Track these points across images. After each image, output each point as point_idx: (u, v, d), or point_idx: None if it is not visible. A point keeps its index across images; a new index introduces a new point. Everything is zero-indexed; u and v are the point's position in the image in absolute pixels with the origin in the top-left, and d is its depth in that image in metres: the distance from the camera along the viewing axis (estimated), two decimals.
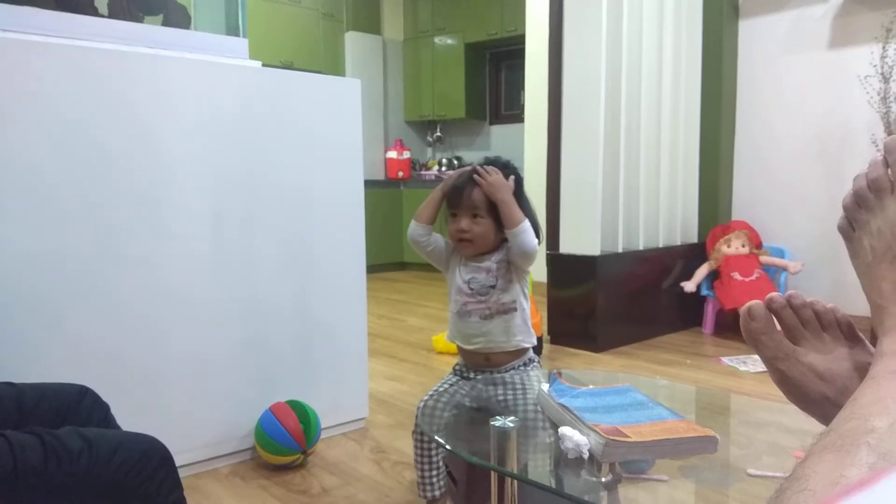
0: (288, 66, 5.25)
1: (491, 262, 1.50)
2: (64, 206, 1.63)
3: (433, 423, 1.33)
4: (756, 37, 3.73)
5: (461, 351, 1.58)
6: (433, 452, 1.57)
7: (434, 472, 1.58)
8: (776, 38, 3.65)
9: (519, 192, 1.51)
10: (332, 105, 2.10)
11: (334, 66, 6.10)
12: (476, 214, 1.47)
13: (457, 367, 1.60)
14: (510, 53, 6.11)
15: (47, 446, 0.92)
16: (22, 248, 1.57)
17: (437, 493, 1.58)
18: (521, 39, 5.06)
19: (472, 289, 1.50)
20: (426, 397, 1.40)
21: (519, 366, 1.54)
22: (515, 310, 1.50)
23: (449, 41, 6.33)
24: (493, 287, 1.49)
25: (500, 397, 1.41)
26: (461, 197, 1.48)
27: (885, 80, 3.16)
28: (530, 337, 1.54)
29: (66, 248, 1.64)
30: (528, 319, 1.54)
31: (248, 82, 1.92)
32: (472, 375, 1.55)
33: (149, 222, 1.76)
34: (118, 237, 1.71)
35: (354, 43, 6.26)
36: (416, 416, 1.34)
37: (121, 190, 1.71)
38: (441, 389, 1.47)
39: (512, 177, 1.50)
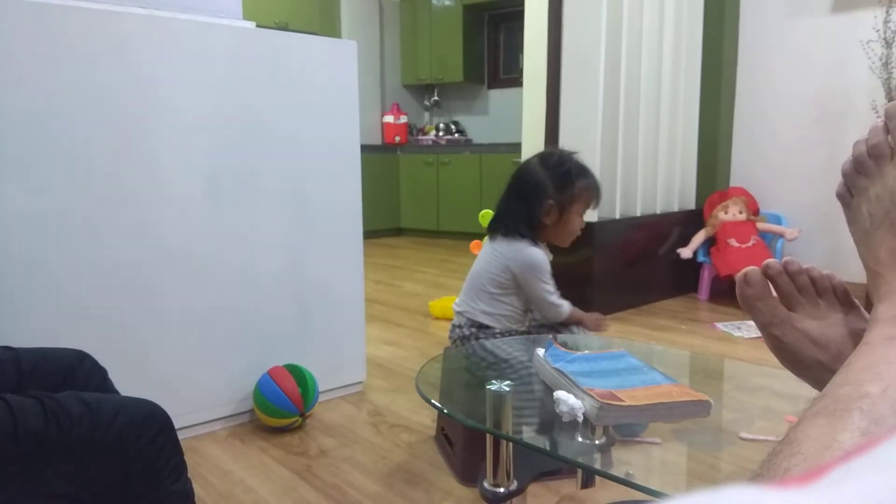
0: (283, 28, 5.15)
1: None
2: (60, 167, 1.61)
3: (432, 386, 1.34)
4: None
5: None
6: None
7: None
8: (778, 0, 3.59)
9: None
10: (327, 67, 2.07)
11: (330, 28, 5.98)
12: None
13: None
14: (509, 15, 6.01)
15: (48, 410, 0.92)
16: (17, 209, 1.56)
17: None
18: (520, 0, 4.96)
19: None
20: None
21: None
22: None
23: (447, 2, 6.21)
24: None
25: (500, 356, 1.43)
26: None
27: (888, 45, 3.12)
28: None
29: (63, 210, 1.63)
30: None
31: (241, 43, 1.89)
32: (474, 338, 1.57)
33: (145, 185, 1.75)
34: (115, 199, 1.70)
35: (350, 3, 6.14)
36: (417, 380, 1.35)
37: (117, 152, 1.69)
38: (443, 353, 1.48)
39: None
